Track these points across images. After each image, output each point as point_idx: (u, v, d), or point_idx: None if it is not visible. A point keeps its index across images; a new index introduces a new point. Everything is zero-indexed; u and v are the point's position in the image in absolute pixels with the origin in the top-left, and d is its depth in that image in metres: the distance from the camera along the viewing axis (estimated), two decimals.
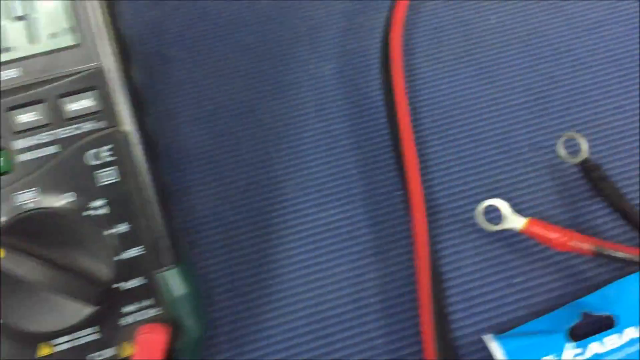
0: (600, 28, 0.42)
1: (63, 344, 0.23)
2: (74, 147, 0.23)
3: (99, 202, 0.23)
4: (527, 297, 0.32)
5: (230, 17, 0.42)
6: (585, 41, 0.41)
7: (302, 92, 0.39)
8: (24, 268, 0.21)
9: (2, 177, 0.22)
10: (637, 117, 0.37)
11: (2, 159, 0.22)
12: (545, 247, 0.32)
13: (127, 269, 0.23)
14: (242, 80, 0.39)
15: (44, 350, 0.23)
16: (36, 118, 0.22)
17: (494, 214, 0.33)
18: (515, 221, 0.32)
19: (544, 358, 0.28)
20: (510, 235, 0.33)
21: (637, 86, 0.39)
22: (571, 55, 0.40)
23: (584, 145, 0.35)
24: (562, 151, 0.36)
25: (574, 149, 0.35)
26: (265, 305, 0.31)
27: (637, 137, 0.37)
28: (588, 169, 0.34)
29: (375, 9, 0.42)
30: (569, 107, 0.38)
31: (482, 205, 0.33)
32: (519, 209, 0.34)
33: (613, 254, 0.30)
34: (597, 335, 0.29)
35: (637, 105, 0.38)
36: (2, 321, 0.22)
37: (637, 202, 0.34)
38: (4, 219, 0.22)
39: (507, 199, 0.35)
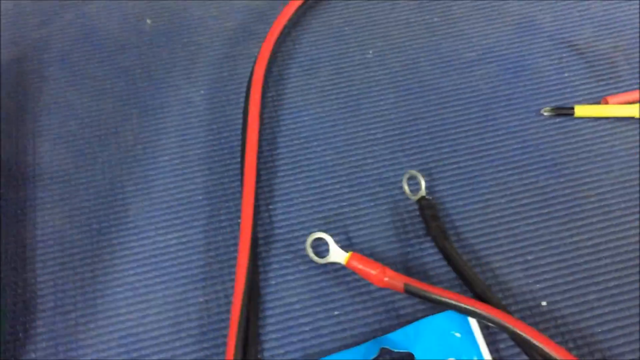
0: (472, 68, 0.42)
1: None
2: None
3: None
4: (343, 330, 0.32)
5: (115, 39, 0.44)
6: (454, 80, 0.42)
7: (168, 117, 0.40)
8: None
9: None
10: (488, 159, 0.38)
11: None
12: (368, 283, 0.33)
13: None
14: (112, 102, 0.41)
15: None
16: None
17: (325, 247, 0.34)
18: (339, 255, 0.33)
19: None
20: (338, 269, 0.34)
21: (494, 127, 0.40)
22: (438, 93, 0.41)
23: (422, 184, 0.36)
24: (406, 188, 0.36)
25: (417, 187, 0.36)
26: (85, 325, 0.32)
27: (483, 178, 0.37)
28: (423, 207, 0.35)
29: (257, 38, 0.44)
30: (426, 144, 0.39)
31: (310, 238, 0.34)
32: (355, 243, 0.35)
33: (421, 293, 0.31)
34: None
35: (490, 147, 0.39)
36: None
37: (472, 242, 0.35)
38: None
39: (346, 232, 0.36)
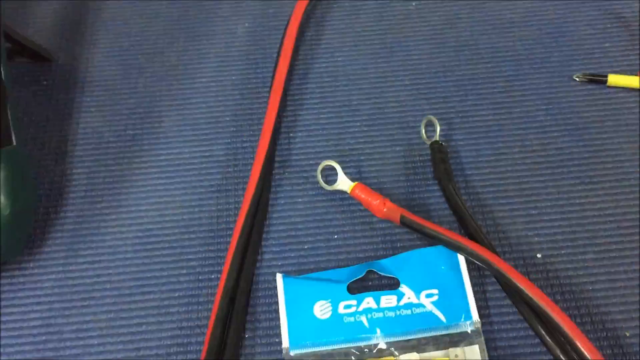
0: (512, 29, 0.43)
1: None
2: None
3: None
4: (339, 253, 0.34)
5: None
6: (492, 38, 0.42)
7: (212, 44, 0.43)
8: None
9: None
10: (510, 116, 0.39)
11: None
12: (371, 214, 0.35)
13: None
14: (164, 25, 0.44)
15: None
16: None
17: (334, 177, 0.36)
18: (345, 184, 0.35)
19: (320, 301, 0.31)
20: (344, 198, 0.36)
21: (522, 87, 0.40)
22: (473, 49, 0.42)
23: (437, 129, 0.37)
24: (422, 131, 0.38)
25: (434, 133, 0.37)
26: (108, 215, 0.36)
27: (501, 133, 0.38)
28: (434, 150, 0.36)
29: None
30: (451, 95, 0.40)
31: (321, 165, 0.36)
32: (365, 177, 0.37)
33: (414, 224, 0.33)
34: (373, 292, 0.32)
35: (515, 104, 0.39)
36: None
37: (479, 191, 0.36)
38: None
39: (358, 167, 0.37)
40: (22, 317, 0.32)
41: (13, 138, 0.31)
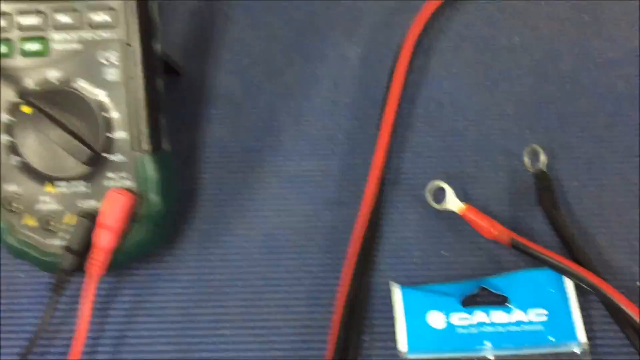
0: (613, 67, 0.45)
1: (62, 187, 0.32)
2: (93, 47, 0.31)
3: (101, 91, 0.32)
4: (447, 268, 0.37)
5: None
6: (593, 75, 0.44)
7: (326, 67, 0.46)
8: (44, 124, 0.30)
9: (41, 57, 0.31)
10: (611, 149, 0.41)
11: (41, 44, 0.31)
12: (477, 234, 0.37)
13: (114, 146, 0.32)
14: (281, 47, 0.47)
15: (48, 188, 0.32)
16: (71, 20, 0.31)
17: (441, 197, 0.38)
18: (455, 204, 0.37)
19: (433, 311, 0.34)
20: (453, 217, 0.38)
21: (623, 123, 0.42)
22: (575, 84, 0.44)
23: (543, 158, 0.39)
24: (526, 159, 0.40)
25: (537, 161, 0.40)
26: (235, 219, 0.39)
27: (603, 166, 0.40)
28: (539, 179, 0.39)
29: (414, 11, 0.48)
30: (554, 127, 0.42)
31: (432, 185, 0.38)
32: (470, 199, 0.39)
33: (525, 247, 0.35)
34: (484, 307, 0.34)
35: (616, 139, 0.41)
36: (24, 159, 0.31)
37: (580, 219, 0.38)
38: (36, 87, 0.31)
39: (462, 189, 0.40)
40: (164, 304, 0.35)
41: (165, 144, 0.34)
